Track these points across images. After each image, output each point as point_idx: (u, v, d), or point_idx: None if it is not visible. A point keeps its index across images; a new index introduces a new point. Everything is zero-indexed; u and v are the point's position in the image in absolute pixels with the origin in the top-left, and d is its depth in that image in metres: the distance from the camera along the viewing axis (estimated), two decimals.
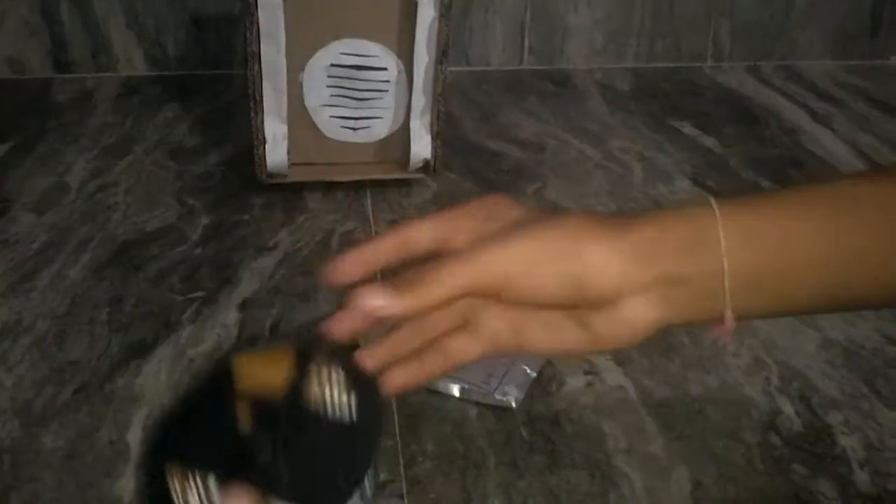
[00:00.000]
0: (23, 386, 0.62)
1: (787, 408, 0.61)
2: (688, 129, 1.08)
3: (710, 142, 1.05)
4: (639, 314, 0.38)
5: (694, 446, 0.58)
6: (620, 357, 0.66)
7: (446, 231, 0.40)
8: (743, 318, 0.39)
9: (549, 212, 0.41)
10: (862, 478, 0.55)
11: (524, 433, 0.59)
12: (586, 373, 0.64)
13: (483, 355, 0.40)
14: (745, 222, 0.38)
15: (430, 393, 0.61)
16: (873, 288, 0.38)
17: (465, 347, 0.40)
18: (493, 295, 0.39)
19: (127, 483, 0.54)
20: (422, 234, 0.40)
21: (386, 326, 0.40)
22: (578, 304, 0.39)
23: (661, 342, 0.67)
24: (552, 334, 0.40)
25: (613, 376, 0.64)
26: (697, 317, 0.39)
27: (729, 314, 0.38)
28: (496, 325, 0.40)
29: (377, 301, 0.37)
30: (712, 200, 0.38)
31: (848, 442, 0.58)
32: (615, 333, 0.39)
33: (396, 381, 0.40)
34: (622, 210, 0.89)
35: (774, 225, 0.38)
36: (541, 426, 0.59)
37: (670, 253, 0.38)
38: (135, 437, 0.58)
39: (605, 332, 0.39)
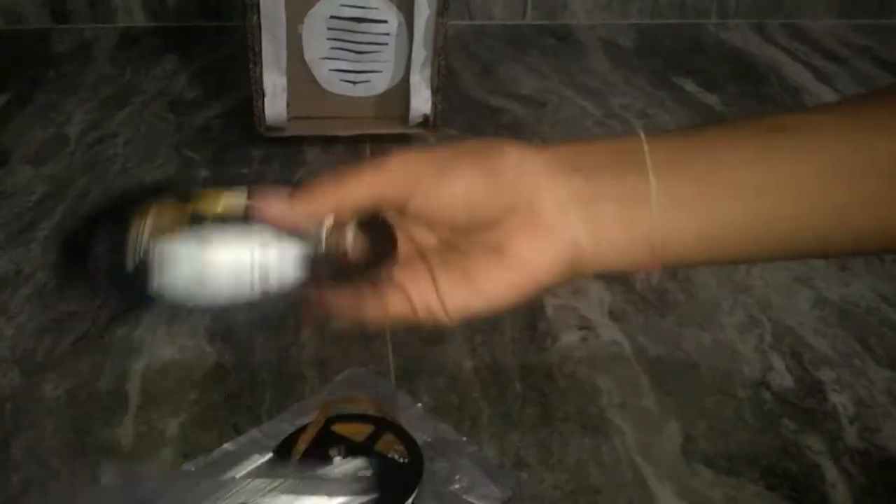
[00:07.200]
0: (23, 336, 0.63)
1: (779, 364, 0.62)
2: (690, 86, 1.08)
3: (711, 99, 1.04)
4: (560, 228, 0.36)
5: (686, 401, 0.58)
6: (615, 313, 0.66)
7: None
8: (669, 243, 0.36)
9: None
10: (850, 432, 0.56)
11: (518, 387, 0.59)
12: (581, 328, 0.65)
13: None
14: (672, 145, 0.37)
15: (425, 345, 0.62)
16: (798, 218, 0.37)
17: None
18: (401, 205, 0.36)
19: (125, 430, 0.55)
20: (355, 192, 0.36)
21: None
22: (496, 212, 0.36)
23: (656, 299, 0.68)
24: (478, 281, 0.36)
25: (608, 332, 0.64)
26: (622, 237, 0.36)
27: (657, 237, 0.36)
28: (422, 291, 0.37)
29: (276, 209, 0.35)
30: (640, 131, 0.37)
31: (838, 398, 0.59)
32: (539, 258, 0.36)
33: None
34: None
35: (702, 152, 0.37)
36: (534, 380, 0.60)
37: (596, 167, 0.36)
38: (134, 386, 0.59)
39: (529, 254, 0.36)
